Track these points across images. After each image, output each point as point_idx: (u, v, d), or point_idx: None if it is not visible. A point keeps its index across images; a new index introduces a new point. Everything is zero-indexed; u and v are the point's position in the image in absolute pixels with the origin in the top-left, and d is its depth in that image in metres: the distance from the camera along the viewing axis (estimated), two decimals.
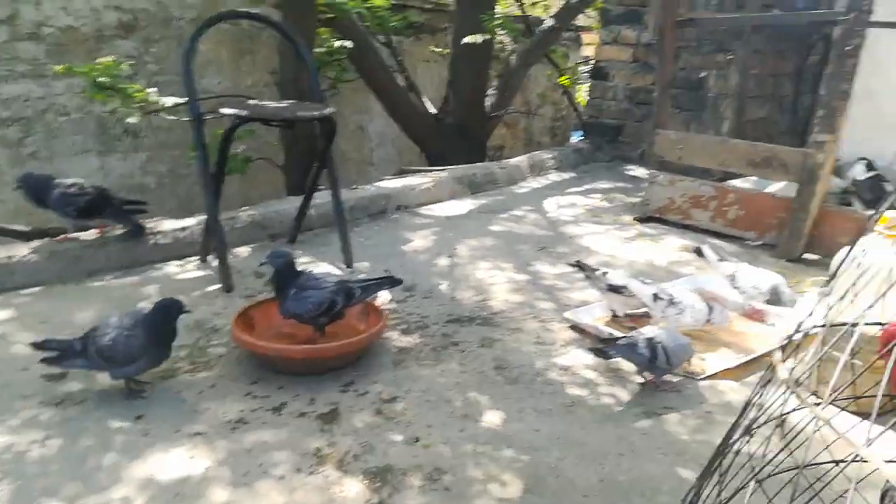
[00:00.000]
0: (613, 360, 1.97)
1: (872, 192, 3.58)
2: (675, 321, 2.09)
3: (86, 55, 4.43)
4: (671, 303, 2.11)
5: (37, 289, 2.42)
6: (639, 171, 4.58)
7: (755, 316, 2.37)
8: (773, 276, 2.36)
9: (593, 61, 5.18)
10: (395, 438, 1.64)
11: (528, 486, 1.49)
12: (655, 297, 2.13)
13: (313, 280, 1.99)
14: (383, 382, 1.89)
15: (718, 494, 0.80)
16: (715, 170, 3.69)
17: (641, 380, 1.93)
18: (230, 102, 2.68)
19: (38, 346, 1.73)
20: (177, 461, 1.52)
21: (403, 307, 2.41)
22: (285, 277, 1.98)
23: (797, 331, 0.85)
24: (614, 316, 2.33)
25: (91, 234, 2.68)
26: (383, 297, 2.45)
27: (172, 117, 3.85)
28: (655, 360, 1.82)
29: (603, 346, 1.89)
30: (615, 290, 2.23)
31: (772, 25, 4.02)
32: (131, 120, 3.71)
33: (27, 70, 4.46)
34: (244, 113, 2.47)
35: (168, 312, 1.76)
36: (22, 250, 2.51)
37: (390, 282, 2.08)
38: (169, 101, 3.67)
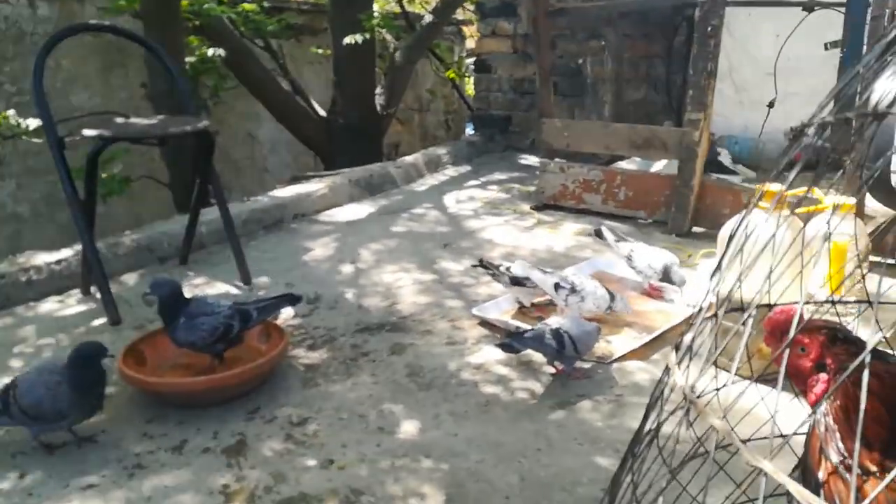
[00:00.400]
0: (524, 353, 1.98)
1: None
2: (578, 309, 2.12)
3: None
4: (573, 291, 2.14)
5: None
6: (531, 160, 4.65)
7: (654, 294, 2.45)
8: (665, 255, 2.45)
9: (476, 55, 5.23)
10: (309, 463, 1.57)
11: (450, 494, 1.46)
12: (557, 286, 2.16)
13: (205, 305, 1.87)
14: (292, 405, 1.81)
15: (634, 491, 0.79)
16: (604, 153, 3.81)
17: (553, 370, 1.94)
18: (94, 122, 2.49)
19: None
20: None
21: (308, 321, 2.33)
22: (173, 306, 1.86)
23: (697, 311, 0.86)
24: (521, 307, 2.34)
25: None
26: (286, 313, 2.36)
27: (38, 140, 3.56)
28: (563, 349, 1.84)
29: (509, 340, 1.89)
30: (518, 282, 2.24)
31: (637, 11, 4.18)
32: None
33: None
34: (108, 134, 2.30)
35: (88, 359, 1.61)
36: None
37: (289, 299, 2.00)
38: (32, 122, 3.39)
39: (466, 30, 8.34)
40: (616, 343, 2.11)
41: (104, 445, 1.64)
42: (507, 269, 2.28)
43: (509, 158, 4.82)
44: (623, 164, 3.74)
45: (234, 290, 2.58)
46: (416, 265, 2.84)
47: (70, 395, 1.57)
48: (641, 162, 3.90)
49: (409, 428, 1.71)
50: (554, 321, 1.91)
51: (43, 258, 2.66)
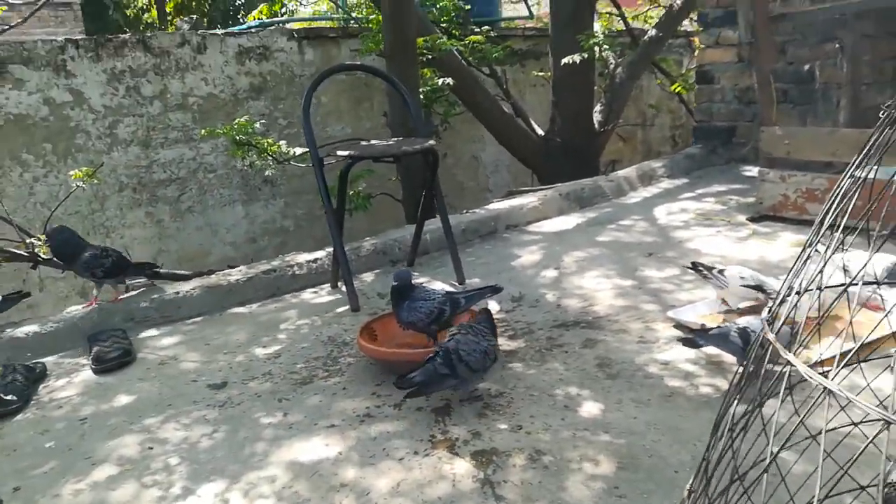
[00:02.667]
0: (715, 353, 2.03)
1: None
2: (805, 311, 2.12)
3: (225, 117, 5.06)
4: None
5: (199, 318, 2.84)
6: (756, 172, 4.47)
7: (872, 306, 2.32)
8: (888, 257, 2.30)
9: (698, 65, 5.14)
10: (501, 427, 1.81)
11: (623, 464, 1.60)
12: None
13: (424, 292, 2.22)
14: (491, 381, 2.07)
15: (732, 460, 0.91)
16: (837, 162, 3.58)
17: (741, 370, 1.97)
18: (344, 145, 3.02)
19: (400, 385, 1.86)
20: (315, 447, 1.78)
21: (511, 316, 2.59)
22: (401, 293, 2.22)
23: None
24: (727, 311, 2.36)
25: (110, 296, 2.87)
26: (492, 308, 2.64)
27: (302, 165, 4.31)
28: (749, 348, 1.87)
29: (693, 336, 1.96)
30: (756, 289, 2.25)
31: (882, 8, 3.84)
32: (268, 172, 4.21)
33: (179, 136, 5.15)
34: (355, 153, 2.79)
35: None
36: (185, 287, 2.96)
37: (491, 290, 2.28)
38: (298, 150, 4.13)
39: (696, 41, 8.15)
40: (815, 350, 2.06)
41: (344, 399, 2.04)
42: (720, 272, 2.33)
43: (731, 171, 4.68)
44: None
45: (448, 287, 2.94)
46: (617, 272, 2.96)
47: (488, 348, 1.91)
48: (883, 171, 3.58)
49: (592, 409, 1.87)
50: (742, 320, 1.95)
51: (304, 257, 3.26)
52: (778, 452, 0.90)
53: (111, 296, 2.86)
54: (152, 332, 2.72)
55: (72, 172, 3.84)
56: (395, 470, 1.66)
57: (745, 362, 1.78)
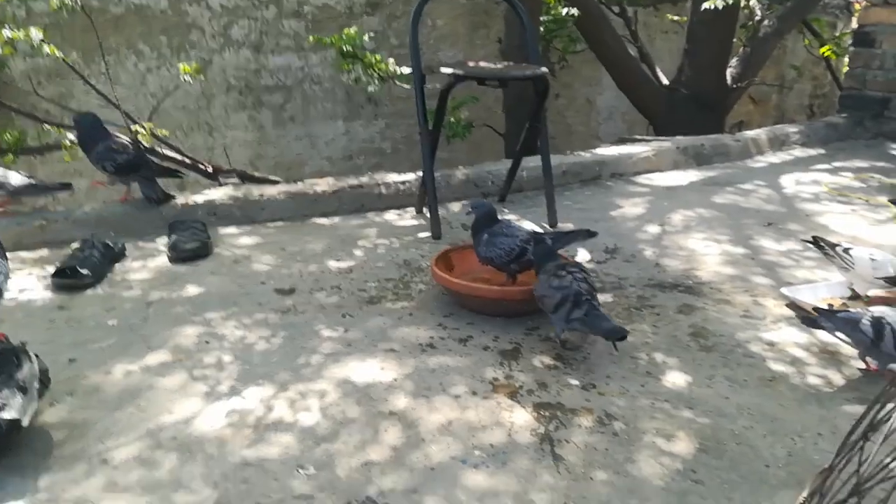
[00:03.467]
0: (831, 342, 1.76)
1: None
2: None
3: (337, 29, 4.92)
4: None
5: (280, 223, 2.79)
6: None
7: None
8: None
9: (858, 26, 4.52)
10: (571, 382, 1.63)
11: (704, 446, 1.40)
12: None
13: (507, 228, 2.04)
14: (568, 332, 1.88)
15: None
16: None
17: (862, 365, 1.69)
18: (448, 63, 2.81)
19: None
20: (370, 369, 1.68)
21: (602, 268, 2.37)
22: (482, 224, 2.05)
23: None
24: (853, 297, 2.06)
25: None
26: (582, 257, 2.43)
27: (407, 86, 4.15)
28: (881, 341, 1.58)
29: (817, 316, 1.68)
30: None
31: None
32: (372, 88, 4.08)
33: (290, 44, 5.09)
34: (459, 72, 2.58)
35: None
36: (271, 191, 2.91)
37: (585, 234, 2.06)
38: (405, 69, 3.97)
39: (857, 5, 7.26)
40: None
41: (409, 325, 1.92)
42: (846, 251, 2.02)
43: (877, 147, 4.13)
44: None
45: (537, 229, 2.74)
46: (729, 238, 2.66)
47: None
48: None
49: (677, 380, 1.66)
50: (877, 309, 1.65)
51: (393, 177, 3.14)
52: None
53: (123, 194, 2.69)
54: (232, 229, 2.69)
55: (180, 65, 3.87)
56: (448, 407, 1.53)
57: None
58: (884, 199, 3.08)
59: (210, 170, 3.91)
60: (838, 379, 1.66)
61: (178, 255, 2.35)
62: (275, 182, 3.70)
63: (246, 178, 3.89)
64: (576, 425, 1.47)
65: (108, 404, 1.52)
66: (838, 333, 1.70)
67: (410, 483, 1.29)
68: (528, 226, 2.76)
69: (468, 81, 2.68)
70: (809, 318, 1.71)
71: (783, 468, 1.33)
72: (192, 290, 2.13)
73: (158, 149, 3.71)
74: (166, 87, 4.66)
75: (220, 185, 3.34)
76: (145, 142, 3.61)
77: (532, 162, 3.15)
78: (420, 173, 3.11)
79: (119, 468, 1.31)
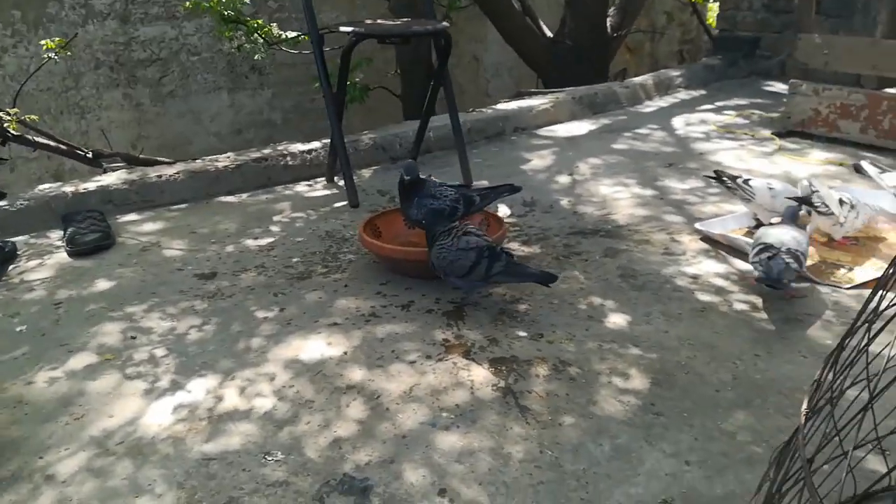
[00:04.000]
0: (747, 268, 1.88)
1: None
2: (852, 225, 1.99)
3: None
4: (851, 207, 2.00)
5: (183, 205, 2.62)
6: (778, 87, 4.24)
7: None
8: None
9: None
10: (520, 334, 1.66)
11: (657, 380, 1.47)
12: (841, 202, 2.01)
13: (435, 189, 2.01)
14: (506, 286, 1.90)
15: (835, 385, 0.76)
16: (866, 79, 3.36)
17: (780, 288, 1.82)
18: (347, 23, 2.72)
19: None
20: (316, 346, 1.62)
21: (524, 221, 2.41)
22: (410, 190, 2.01)
23: None
24: (757, 226, 2.20)
25: None
26: (503, 212, 2.46)
27: (293, 51, 3.98)
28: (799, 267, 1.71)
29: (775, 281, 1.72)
30: (804, 202, 2.06)
31: None
32: (258, 56, 3.87)
33: (160, 12, 4.72)
34: (361, 30, 2.50)
35: None
36: (168, 171, 2.72)
37: (509, 189, 2.08)
38: (290, 33, 3.79)
39: None
40: (859, 273, 1.93)
41: (346, 297, 1.87)
42: (746, 181, 2.15)
43: (752, 85, 4.43)
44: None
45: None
46: (636, 181, 2.77)
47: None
48: None
49: (617, 320, 1.72)
50: (777, 237, 1.78)
51: (297, 147, 3.02)
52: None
53: None
54: (132, 216, 2.50)
55: (42, 42, 3.50)
56: (406, 374, 1.51)
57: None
58: (767, 133, 3.32)
59: (90, 155, 3.59)
60: (759, 302, 1.79)
61: (78, 249, 2.15)
62: (169, 163, 3.46)
63: (132, 161, 3.60)
64: (533, 375, 1.49)
65: (37, 416, 1.38)
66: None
67: (385, 454, 1.27)
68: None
69: (363, 43, 2.60)
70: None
71: (732, 390, 1.42)
72: (102, 284, 1.97)
73: (30, 137, 3.36)
74: (26, 67, 4.21)
75: (104, 171, 3.08)
76: (13, 130, 3.25)
77: (437, 122, 3.13)
78: (325, 141, 3.02)
79: (69, 482, 1.20)
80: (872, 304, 0.86)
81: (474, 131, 3.42)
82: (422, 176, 2.01)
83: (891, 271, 0.88)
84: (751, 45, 4.55)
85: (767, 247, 1.75)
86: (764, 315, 1.73)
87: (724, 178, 2.24)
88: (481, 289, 1.82)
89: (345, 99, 2.77)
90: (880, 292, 0.86)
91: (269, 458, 1.26)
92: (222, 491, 1.19)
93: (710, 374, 1.48)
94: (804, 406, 0.84)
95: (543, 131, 3.56)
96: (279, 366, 1.55)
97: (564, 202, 2.57)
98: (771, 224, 2.03)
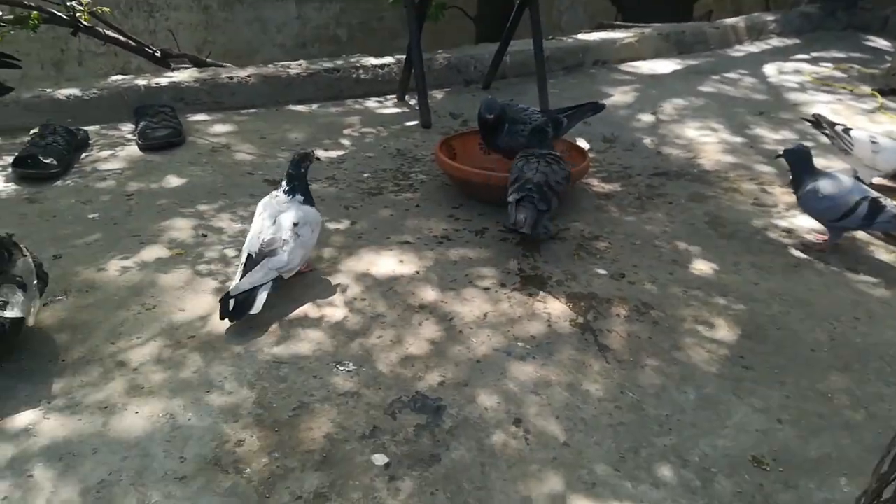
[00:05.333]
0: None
1: None
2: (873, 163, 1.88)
3: None
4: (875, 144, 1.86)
5: (253, 110, 2.57)
6: (881, 43, 3.92)
7: None
8: None
9: None
10: (599, 272, 1.58)
11: (746, 332, 1.38)
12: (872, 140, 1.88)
13: (522, 114, 1.91)
14: (584, 222, 1.82)
15: None
16: None
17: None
18: None
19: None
20: (388, 262, 1.57)
21: (604, 157, 2.29)
22: (494, 127, 1.89)
23: None
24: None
25: None
26: (582, 145, 2.33)
27: None
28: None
29: None
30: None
31: None
32: None
33: None
34: None
35: None
36: (241, 73, 2.66)
37: (593, 107, 2.01)
38: None
39: None
40: None
41: (418, 217, 1.81)
42: (847, 130, 1.99)
43: (850, 39, 4.10)
44: None
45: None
46: (725, 127, 2.61)
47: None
48: None
49: (703, 267, 1.63)
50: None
51: (370, 61, 2.91)
52: None
53: None
54: (202, 116, 2.46)
55: None
56: (480, 299, 1.45)
57: None
58: (867, 89, 3.07)
59: (158, 54, 3.55)
60: (858, 264, 1.67)
61: (150, 143, 2.13)
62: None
63: (200, 64, 3.55)
64: (613, 315, 1.42)
65: (109, 303, 1.38)
66: None
67: (459, 377, 1.22)
68: None
69: None
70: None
71: (828, 351, 1.33)
72: (173, 180, 1.95)
73: (100, 30, 3.32)
74: None
75: (172, 71, 3.03)
76: (85, 21, 3.22)
77: (513, 47, 2.98)
78: (400, 57, 2.90)
79: (139, 370, 1.20)
80: None
81: (553, 60, 3.25)
82: (499, 101, 1.90)
83: None
84: None
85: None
86: (863, 277, 1.61)
87: (823, 124, 2.07)
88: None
89: (426, 11, 2.64)
90: None
91: (341, 368, 1.23)
92: (293, 395, 1.16)
93: (805, 333, 1.38)
94: None
95: (626, 66, 3.37)
96: (350, 277, 1.50)
97: (647, 141, 2.44)
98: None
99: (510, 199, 1.62)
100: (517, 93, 2.93)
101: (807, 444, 1.11)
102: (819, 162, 2.25)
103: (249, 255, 1.37)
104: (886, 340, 1.37)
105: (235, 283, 1.33)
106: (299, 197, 1.49)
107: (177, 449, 1.05)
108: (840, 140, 2.00)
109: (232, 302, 1.29)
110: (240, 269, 1.37)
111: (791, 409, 1.18)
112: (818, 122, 2.07)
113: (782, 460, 1.08)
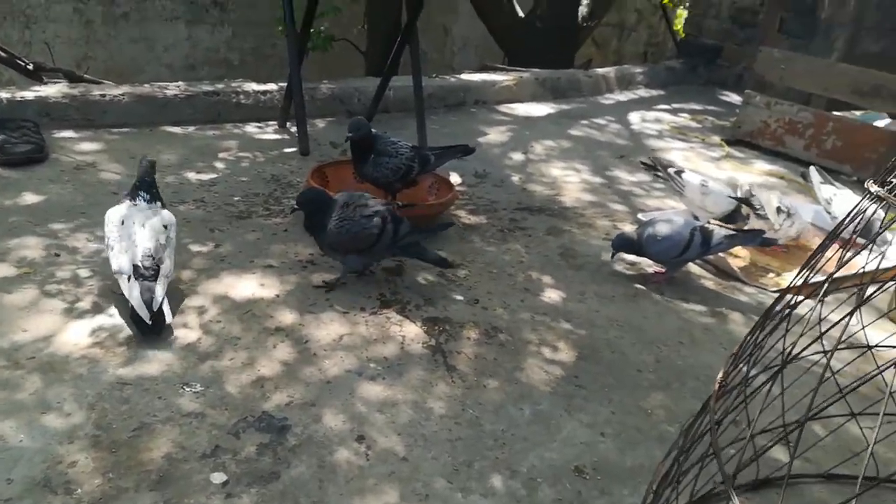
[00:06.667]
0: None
1: None
2: (785, 233, 2.06)
3: None
4: (788, 215, 2.06)
5: (125, 129, 2.51)
6: (733, 98, 4.35)
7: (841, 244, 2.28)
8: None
9: None
10: (456, 297, 1.66)
11: (583, 354, 1.50)
12: (779, 210, 2.08)
13: (391, 146, 1.99)
14: (449, 251, 1.91)
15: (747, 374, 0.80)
16: (816, 98, 3.49)
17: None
18: None
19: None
20: (249, 285, 1.59)
21: (473, 191, 2.41)
22: (364, 147, 1.96)
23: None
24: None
25: None
26: (454, 180, 2.45)
27: None
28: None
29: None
30: (744, 202, 2.12)
31: None
32: None
33: None
34: None
35: None
36: (114, 91, 2.60)
37: (463, 150, 2.08)
38: None
39: None
40: (786, 278, 2.01)
41: (285, 241, 1.83)
42: (679, 172, 2.20)
43: (709, 93, 4.52)
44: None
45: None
46: (588, 168, 2.81)
47: None
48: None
49: (553, 295, 1.75)
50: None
51: (252, 87, 2.92)
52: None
53: None
54: (69, 133, 2.38)
55: None
56: (338, 322, 1.49)
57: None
58: (717, 139, 3.41)
59: (30, 67, 3.40)
60: (690, 294, 1.85)
61: (8, 158, 2.04)
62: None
63: (75, 80, 3.43)
64: (464, 337, 1.50)
65: None
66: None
67: (307, 397, 1.26)
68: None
69: None
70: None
71: (653, 372, 1.47)
72: (29, 198, 1.88)
73: None
74: None
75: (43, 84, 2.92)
76: None
77: (398, 81, 3.09)
78: (283, 84, 2.93)
79: None
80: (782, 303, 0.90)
81: (435, 98, 3.38)
82: (374, 131, 1.97)
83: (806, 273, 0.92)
84: (713, 52, 4.65)
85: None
86: (692, 306, 1.78)
87: (657, 166, 2.27)
88: (380, 261, 1.72)
89: (307, 42, 2.69)
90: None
91: (188, 389, 1.23)
92: (134, 416, 1.15)
93: (635, 355, 1.52)
94: (719, 375, 0.87)
95: (503, 107, 3.56)
96: (208, 299, 1.51)
97: (515, 178, 2.59)
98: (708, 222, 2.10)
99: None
100: (398, 127, 3.02)
101: (624, 455, 1.23)
102: (668, 202, 2.48)
103: (136, 266, 1.36)
104: (703, 362, 1.53)
105: (133, 294, 1.33)
106: (159, 203, 1.51)
107: (4, 470, 1.02)
108: (673, 182, 2.20)
109: (147, 315, 1.31)
110: (129, 281, 1.35)
111: (614, 424, 1.30)
112: (654, 164, 2.28)
113: (601, 470, 1.19)
